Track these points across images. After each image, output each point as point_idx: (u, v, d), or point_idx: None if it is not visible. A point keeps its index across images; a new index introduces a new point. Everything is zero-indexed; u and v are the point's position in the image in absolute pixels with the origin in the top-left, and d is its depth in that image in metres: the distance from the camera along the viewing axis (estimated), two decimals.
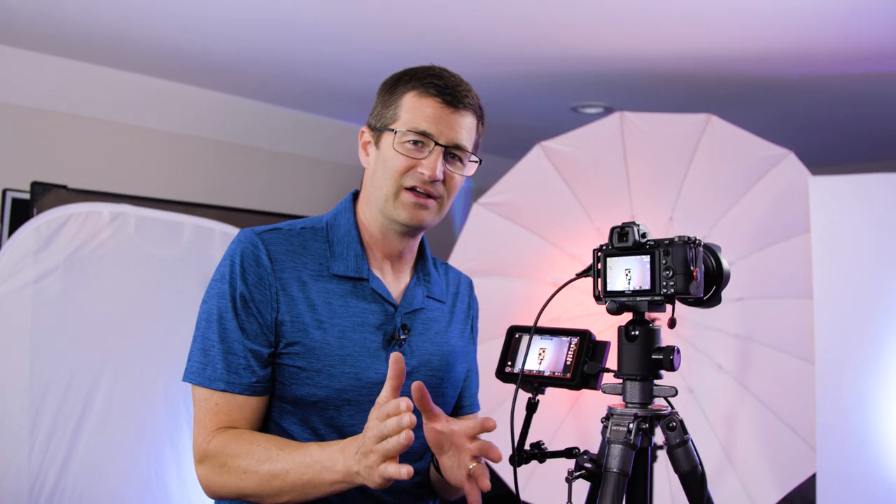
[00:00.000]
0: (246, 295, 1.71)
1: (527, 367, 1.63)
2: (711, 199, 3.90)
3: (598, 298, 1.59)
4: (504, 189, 4.26)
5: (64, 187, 4.08)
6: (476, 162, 1.86)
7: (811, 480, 3.68)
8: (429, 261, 1.99)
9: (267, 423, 1.77)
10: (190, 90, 4.96)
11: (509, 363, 1.67)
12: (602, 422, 1.56)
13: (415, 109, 1.77)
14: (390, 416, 1.46)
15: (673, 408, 1.58)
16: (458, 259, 4.29)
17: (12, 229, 4.10)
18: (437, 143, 1.76)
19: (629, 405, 1.54)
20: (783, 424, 3.71)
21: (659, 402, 1.57)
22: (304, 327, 1.72)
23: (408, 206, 1.78)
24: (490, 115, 5.82)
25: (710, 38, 3.96)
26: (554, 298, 1.62)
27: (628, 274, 1.55)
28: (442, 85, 1.78)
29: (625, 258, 1.55)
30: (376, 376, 1.75)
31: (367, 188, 1.85)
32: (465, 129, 1.81)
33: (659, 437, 1.60)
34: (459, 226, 4.38)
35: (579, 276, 1.62)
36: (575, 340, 1.60)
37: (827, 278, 3.71)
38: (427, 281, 1.94)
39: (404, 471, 1.44)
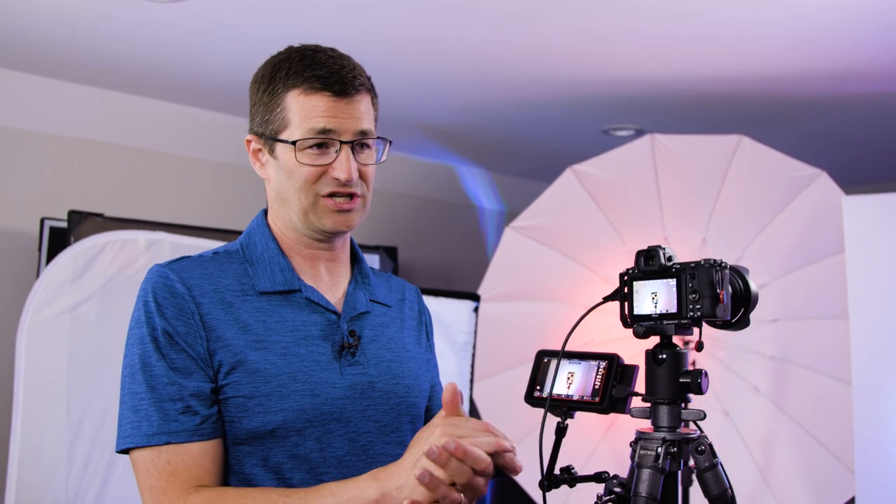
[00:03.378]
0: (169, 329, 1.50)
1: (555, 391, 1.61)
2: (744, 220, 3.88)
3: (625, 322, 1.58)
4: (536, 213, 4.27)
5: (100, 215, 4.11)
6: (386, 145, 1.70)
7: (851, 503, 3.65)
8: (364, 262, 1.80)
9: (225, 476, 1.56)
10: (226, 119, 5.01)
11: (538, 387, 1.65)
12: (631, 446, 1.56)
13: (305, 110, 1.58)
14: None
15: (702, 431, 1.57)
16: (491, 284, 4.30)
17: (50, 257, 4.15)
18: (342, 142, 1.59)
19: (658, 429, 1.54)
20: (821, 446, 3.68)
21: (688, 426, 1.56)
22: (240, 350, 1.53)
23: (331, 214, 1.62)
24: (521, 139, 5.86)
25: (739, 58, 3.95)
26: (585, 322, 1.62)
27: (655, 297, 1.54)
28: (326, 75, 1.59)
29: (651, 282, 1.55)
30: (334, 391, 1.58)
31: (274, 202, 1.68)
32: (364, 113, 1.63)
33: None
34: (492, 250, 4.39)
35: (606, 299, 1.62)
36: (603, 364, 1.58)
37: (862, 298, 3.68)
38: (367, 283, 1.76)
39: None
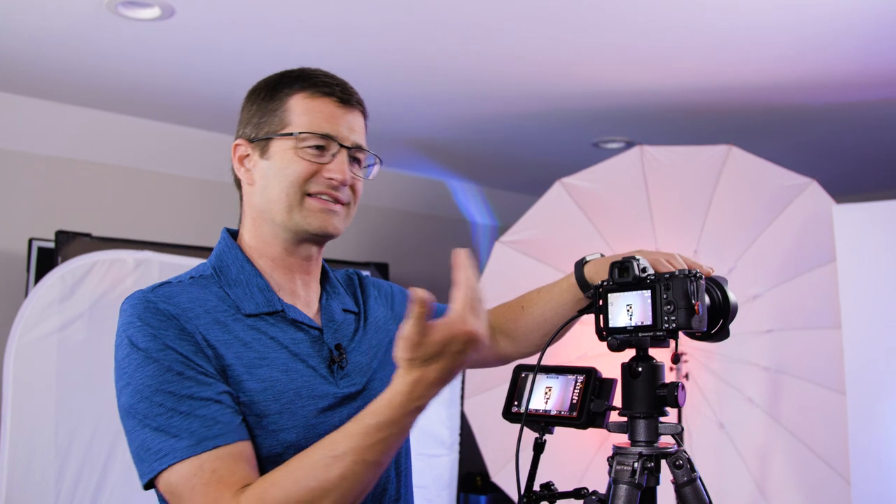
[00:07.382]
0: (177, 348, 1.43)
1: (533, 406, 1.59)
2: (736, 230, 3.86)
3: (600, 335, 1.56)
4: (525, 227, 4.25)
5: (88, 235, 4.10)
6: (376, 163, 1.71)
7: None
8: (331, 274, 1.78)
9: None
10: (212, 136, 5.00)
11: (516, 403, 1.63)
12: (608, 461, 1.53)
13: (310, 112, 1.60)
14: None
15: (680, 445, 1.54)
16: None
17: (38, 278, 4.13)
18: (341, 146, 1.60)
19: (635, 443, 1.51)
20: (817, 458, 3.65)
21: (666, 440, 1.53)
22: (248, 368, 1.49)
23: (317, 213, 1.59)
24: (512, 153, 5.84)
25: (728, 68, 3.94)
26: (578, 336, 1.59)
27: (630, 309, 1.51)
28: (333, 83, 1.63)
29: (626, 294, 1.52)
30: (335, 402, 1.56)
31: (257, 205, 1.64)
32: (360, 129, 1.66)
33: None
34: (485, 265, 4.37)
35: (581, 312, 1.59)
36: (581, 378, 1.56)
37: (854, 307, 3.65)
38: (337, 293, 1.74)
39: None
